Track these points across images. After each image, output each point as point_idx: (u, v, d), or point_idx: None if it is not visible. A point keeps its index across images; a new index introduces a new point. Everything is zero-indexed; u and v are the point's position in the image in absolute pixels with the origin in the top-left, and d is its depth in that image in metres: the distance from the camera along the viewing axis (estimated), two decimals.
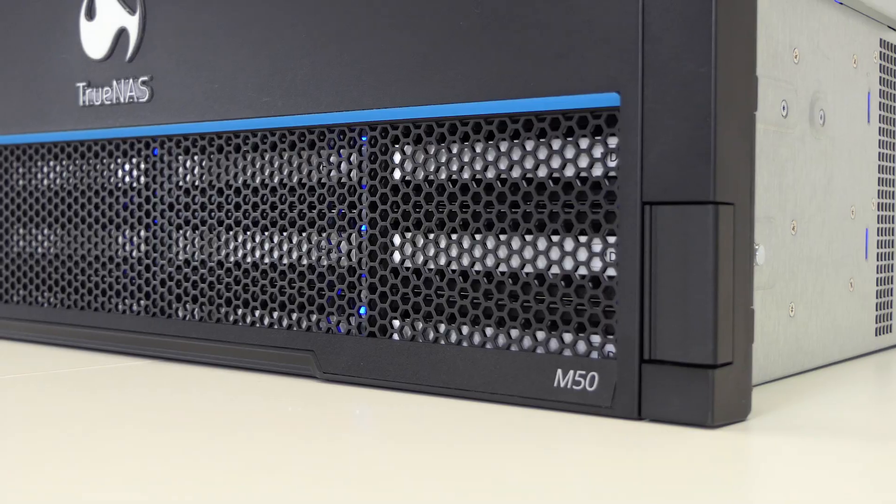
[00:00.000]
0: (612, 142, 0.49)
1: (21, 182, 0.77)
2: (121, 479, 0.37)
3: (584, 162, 0.50)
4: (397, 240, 0.57)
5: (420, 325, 0.56)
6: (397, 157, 0.57)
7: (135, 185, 0.69)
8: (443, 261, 0.55)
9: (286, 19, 0.60)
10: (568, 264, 0.51)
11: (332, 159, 0.59)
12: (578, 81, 0.49)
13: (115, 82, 0.68)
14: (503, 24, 0.52)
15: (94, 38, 0.69)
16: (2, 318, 0.77)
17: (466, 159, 0.54)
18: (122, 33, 0.68)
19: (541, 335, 0.52)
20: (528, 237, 0.52)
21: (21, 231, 0.77)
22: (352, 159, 0.58)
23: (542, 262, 0.52)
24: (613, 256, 0.49)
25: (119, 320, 0.70)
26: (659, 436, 0.45)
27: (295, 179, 0.61)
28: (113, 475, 0.38)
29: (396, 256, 0.57)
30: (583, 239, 0.50)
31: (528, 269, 0.52)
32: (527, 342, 0.52)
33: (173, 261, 0.67)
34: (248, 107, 0.62)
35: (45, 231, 0.75)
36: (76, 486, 0.36)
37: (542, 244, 0.52)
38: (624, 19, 0.48)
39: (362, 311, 0.58)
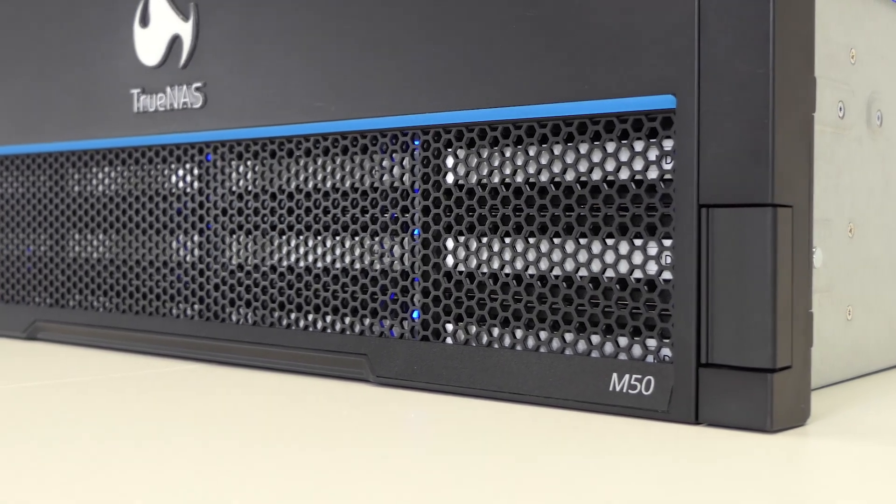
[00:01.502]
0: (668, 144, 0.49)
1: (77, 188, 0.78)
2: (178, 482, 0.38)
3: (639, 165, 0.50)
4: (450, 243, 0.57)
5: (473, 329, 0.56)
6: (450, 161, 0.57)
7: (188, 190, 0.70)
8: (496, 264, 0.55)
9: (339, 24, 0.60)
10: (623, 267, 0.51)
11: (384, 163, 0.59)
12: (633, 84, 0.49)
13: (168, 89, 0.69)
14: (557, 26, 0.51)
15: (149, 46, 0.70)
16: (58, 322, 0.78)
17: (520, 163, 0.54)
18: (175, 40, 0.68)
19: (596, 339, 0.52)
20: (583, 240, 0.52)
21: (77, 236, 0.78)
22: (404, 163, 0.59)
23: (596, 266, 0.51)
24: (669, 259, 0.49)
25: (173, 324, 0.70)
26: (717, 440, 0.45)
27: (347, 184, 0.61)
28: (171, 479, 0.38)
29: (449, 260, 0.57)
30: (638, 242, 0.50)
31: (583, 272, 0.52)
32: (581, 346, 0.52)
33: (226, 265, 0.68)
34: (301, 112, 0.62)
35: (101, 236, 0.76)
36: (132, 490, 0.37)
37: (596, 247, 0.52)
38: (680, 21, 0.47)
39: (415, 314, 0.58)
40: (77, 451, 0.43)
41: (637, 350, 0.50)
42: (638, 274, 0.50)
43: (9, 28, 0.81)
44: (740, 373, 0.46)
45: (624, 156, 0.51)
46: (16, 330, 0.80)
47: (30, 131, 0.79)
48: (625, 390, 0.49)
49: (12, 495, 0.36)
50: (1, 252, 0.84)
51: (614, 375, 0.50)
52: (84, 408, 0.53)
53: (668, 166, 0.49)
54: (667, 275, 0.49)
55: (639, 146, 0.50)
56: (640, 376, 0.49)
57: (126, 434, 0.46)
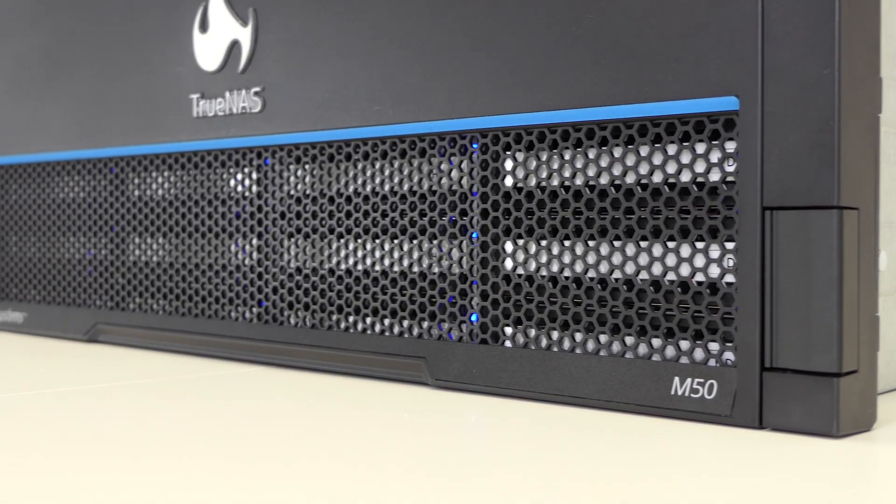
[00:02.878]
0: (730, 146, 0.49)
1: (136, 192, 0.79)
2: (237, 486, 0.38)
3: (700, 167, 0.50)
4: (509, 247, 0.57)
5: (532, 332, 0.56)
6: (509, 164, 0.57)
7: (247, 194, 0.70)
8: (555, 267, 0.55)
9: (397, 28, 0.60)
10: (684, 270, 0.50)
11: (442, 167, 0.60)
12: (695, 85, 0.49)
13: (227, 93, 0.70)
14: (617, 28, 0.51)
15: (208, 51, 0.71)
16: (119, 325, 0.79)
17: (579, 165, 0.54)
18: (234, 45, 0.69)
19: (657, 342, 0.51)
20: (644, 243, 0.52)
21: (136, 240, 0.79)
22: (463, 166, 0.59)
23: (657, 269, 0.51)
24: (732, 262, 0.49)
25: (232, 327, 0.71)
26: (781, 445, 0.44)
27: (405, 187, 0.61)
28: (235, 480, 0.39)
29: (508, 263, 0.57)
30: (700, 245, 0.50)
31: (644, 275, 0.52)
32: (642, 349, 0.52)
33: (285, 268, 0.68)
34: (359, 116, 0.62)
35: (160, 240, 0.77)
36: (190, 494, 0.37)
37: (657, 250, 0.51)
38: (743, 21, 0.47)
39: (474, 318, 0.58)
40: (143, 452, 0.43)
41: (699, 354, 0.50)
42: (700, 277, 0.50)
43: (70, 34, 0.82)
44: (805, 377, 0.46)
45: (685, 158, 0.50)
46: (77, 333, 0.81)
47: (91, 136, 0.80)
48: (687, 394, 0.49)
49: (78, 497, 0.36)
50: (63, 256, 0.85)
51: (676, 379, 0.49)
52: (147, 409, 0.54)
53: (730, 168, 0.49)
54: (729, 278, 0.49)
55: (701, 148, 0.50)
56: (702, 380, 0.49)
57: (189, 435, 0.47)
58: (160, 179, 0.76)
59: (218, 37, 0.70)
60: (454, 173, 0.59)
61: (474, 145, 0.58)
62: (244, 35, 0.68)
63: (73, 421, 0.50)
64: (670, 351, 0.51)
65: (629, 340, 0.52)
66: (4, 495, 0.36)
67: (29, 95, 0.86)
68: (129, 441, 0.45)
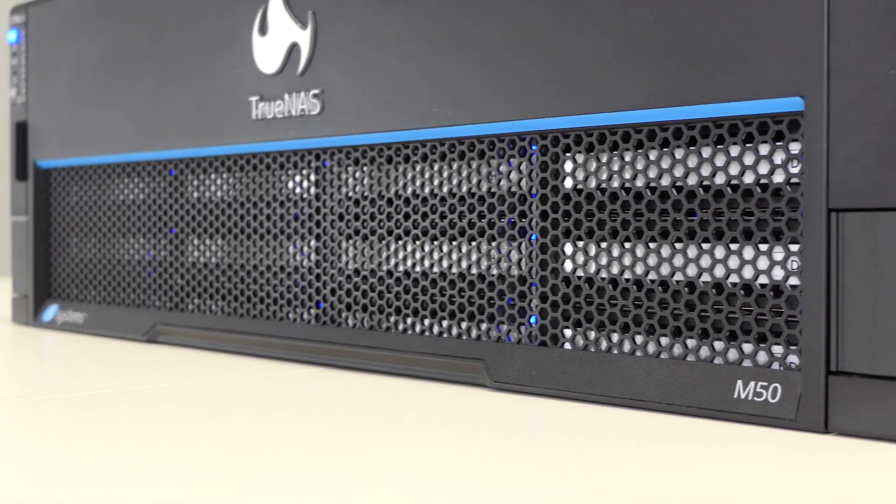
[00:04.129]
0: (795, 147, 0.48)
1: (195, 194, 0.80)
2: (306, 484, 0.38)
3: (764, 168, 0.49)
4: (569, 249, 0.57)
5: (592, 335, 0.56)
6: (568, 166, 0.57)
7: (305, 196, 0.71)
8: (616, 269, 0.55)
9: (456, 30, 0.60)
10: (748, 273, 0.50)
11: (502, 168, 0.59)
12: (759, 86, 0.48)
13: (286, 96, 0.70)
14: (679, 29, 0.51)
15: (267, 53, 0.71)
16: (178, 325, 0.79)
17: (640, 167, 0.54)
18: (293, 48, 0.69)
19: (719, 345, 0.51)
20: (706, 245, 0.51)
21: (195, 241, 0.80)
22: (522, 168, 0.59)
23: (720, 271, 0.51)
24: (796, 265, 0.48)
25: (290, 328, 0.71)
26: (848, 450, 0.43)
27: (464, 189, 0.61)
28: (299, 480, 0.39)
29: (568, 265, 0.57)
30: (763, 247, 0.49)
31: (706, 278, 0.51)
32: (704, 352, 0.51)
33: (343, 270, 0.69)
34: (418, 117, 0.63)
35: (219, 241, 0.78)
36: (252, 494, 0.37)
37: (720, 253, 0.51)
38: (808, 20, 0.46)
39: (533, 319, 0.58)
40: (203, 453, 0.43)
41: (762, 357, 0.49)
42: (763, 279, 0.49)
43: (131, 38, 0.83)
44: (873, 381, 0.45)
45: (749, 159, 0.50)
46: (137, 333, 0.82)
47: (151, 139, 0.81)
48: (750, 398, 0.48)
49: (139, 496, 0.37)
50: (123, 257, 0.87)
51: (739, 382, 0.49)
52: (206, 409, 0.54)
53: (794, 170, 0.48)
54: (794, 280, 0.48)
55: (764, 149, 0.49)
56: (766, 383, 0.48)
57: (251, 436, 0.47)
58: (219, 181, 0.77)
59: (277, 39, 0.71)
60: (513, 175, 0.59)
61: (534, 147, 0.58)
62: (303, 37, 0.69)
63: (138, 421, 0.51)
64: (733, 354, 0.50)
65: (691, 343, 0.52)
66: (78, 492, 0.37)
67: (90, 99, 0.87)
68: (193, 441, 0.46)
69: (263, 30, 0.72)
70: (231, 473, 0.40)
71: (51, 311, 0.92)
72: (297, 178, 0.71)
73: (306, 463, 0.41)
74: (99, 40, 0.86)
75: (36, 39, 0.93)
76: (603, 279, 0.55)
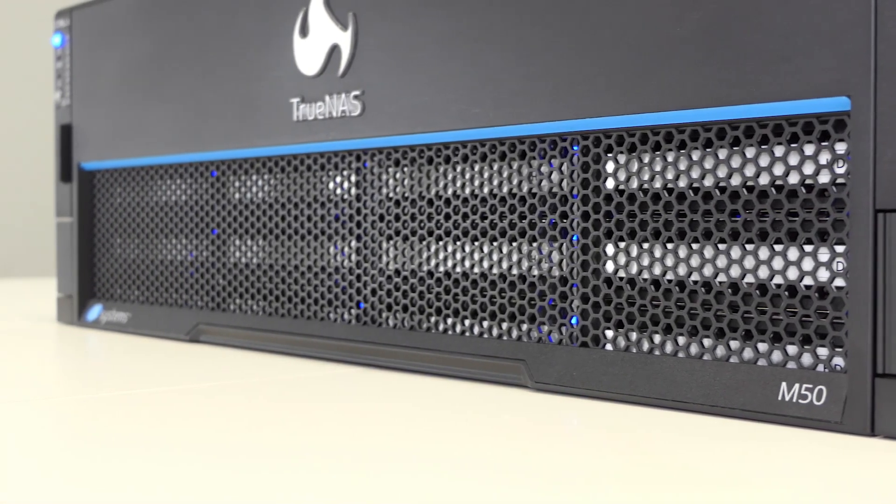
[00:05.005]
0: (841, 147, 0.48)
1: (237, 195, 0.80)
2: (345, 484, 0.38)
3: (809, 168, 0.49)
4: (610, 249, 0.57)
5: (634, 336, 0.55)
6: (610, 167, 0.56)
7: (346, 196, 0.71)
8: (658, 270, 0.54)
9: (496, 30, 0.60)
10: (792, 274, 0.49)
11: (543, 169, 0.59)
12: (804, 85, 0.48)
13: (327, 97, 0.70)
14: (722, 28, 0.50)
15: (308, 55, 0.72)
16: (219, 325, 0.80)
17: (682, 168, 0.53)
18: (334, 49, 0.70)
19: (763, 347, 0.50)
20: (749, 246, 0.51)
21: (237, 242, 0.80)
22: (563, 169, 0.58)
23: (764, 272, 0.50)
24: (842, 266, 0.48)
25: (331, 328, 0.71)
26: (895, 453, 0.43)
27: (505, 190, 0.61)
28: (338, 480, 0.39)
29: (609, 266, 0.57)
30: (808, 248, 0.49)
31: (750, 279, 0.51)
32: (747, 354, 0.51)
33: (383, 270, 0.69)
34: (459, 118, 0.63)
35: (260, 242, 0.78)
36: (298, 494, 0.37)
37: (764, 253, 0.50)
38: (854, 19, 0.46)
39: (574, 320, 0.58)
40: (245, 453, 0.44)
41: (807, 359, 0.49)
42: (808, 281, 0.49)
43: (173, 41, 0.84)
44: None
45: (793, 160, 0.49)
46: (179, 333, 0.83)
47: (193, 140, 0.82)
48: (795, 400, 0.48)
49: (181, 495, 0.37)
50: (165, 257, 0.87)
51: (783, 384, 0.49)
52: (249, 409, 0.54)
53: (840, 170, 0.48)
54: (839, 282, 0.48)
55: (809, 150, 0.49)
56: (811, 386, 0.48)
57: (295, 435, 0.47)
58: (260, 182, 0.78)
59: (318, 41, 0.71)
60: (554, 176, 0.59)
61: (575, 147, 0.58)
62: (344, 39, 0.69)
63: (175, 421, 0.51)
64: (777, 356, 0.50)
65: (734, 345, 0.51)
66: (127, 490, 0.37)
67: (133, 101, 0.88)
68: (238, 440, 0.46)
69: (304, 32, 0.72)
70: (279, 468, 0.40)
71: (95, 311, 0.93)
72: (338, 179, 0.71)
73: (347, 463, 0.42)
74: (142, 43, 0.87)
75: (80, 43, 0.94)
76: (645, 280, 0.55)
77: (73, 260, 0.95)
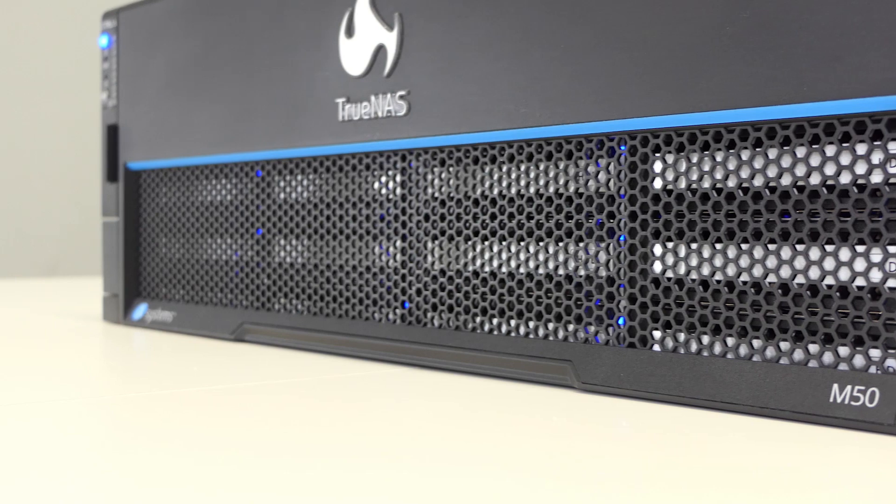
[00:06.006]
0: (893, 147, 0.47)
1: (282, 195, 0.80)
2: (392, 484, 0.38)
3: (861, 168, 0.48)
4: (658, 249, 0.56)
5: (682, 337, 0.55)
6: (658, 167, 0.56)
7: (391, 196, 0.71)
8: (706, 270, 0.54)
9: (543, 29, 0.60)
10: (844, 275, 0.49)
11: (590, 169, 0.59)
12: (856, 84, 0.47)
13: (373, 97, 0.71)
14: (773, 27, 0.50)
15: (354, 56, 0.72)
16: (264, 325, 0.80)
17: (732, 167, 0.53)
18: (380, 49, 0.70)
19: (814, 348, 0.50)
20: (800, 247, 0.50)
21: (282, 242, 0.81)
22: (610, 169, 0.58)
23: (814, 273, 0.50)
24: (895, 267, 0.47)
25: (375, 328, 0.72)
26: None
27: (551, 190, 0.61)
28: (386, 479, 0.39)
29: (657, 266, 0.56)
30: (860, 248, 0.48)
31: (800, 280, 0.50)
32: (797, 355, 0.50)
33: (429, 270, 0.69)
34: (505, 118, 0.62)
35: (305, 242, 0.78)
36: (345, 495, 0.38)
37: (814, 254, 0.50)
38: None
39: (621, 321, 0.58)
40: (290, 452, 0.44)
41: (859, 360, 0.48)
42: (860, 282, 0.48)
43: (219, 41, 0.84)
44: None
45: (845, 159, 0.49)
46: (224, 332, 0.84)
47: (238, 140, 0.83)
48: (846, 402, 0.48)
49: (225, 495, 0.37)
50: (210, 257, 0.88)
51: (835, 386, 0.48)
52: (296, 408, 0.55)
53: (893, 170, 0.47)
54: (892, 283, 0.47)
55: (861, 149, 0.48)
56: (863, 388, 0.47)
57: (339, 434, 0.47)
58: (305, 182, 0.78)
59: (364, 41, 0.71)
60: (601, 176, 0.59)
61: (622, 147, 0.58)
62: (390, 39, 0.69)
63: (232, 418, 0.52)
64: (828, 357, 0.49)
65: (784, 346, 0.51)
66: (186, 489, 0.37)
67: (179, 102, 0.88)
68: (285, 439, 0.46)
69: (350, 32, 0.72)
70: (328, 467, 0.40)
71: (140, 310, 0.94)
72: (384, 179, 0.72)
73: (398, 459, 0.42)
74: (188, 44, 0.88)
75: (126, 44, 0.94)
76: (693, 281, 0.55)
77: (119, 259, 0.95)
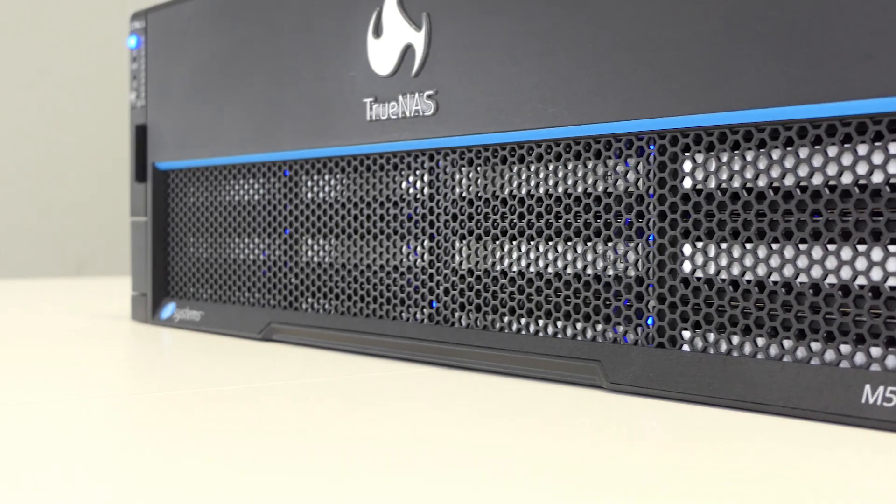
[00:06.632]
0: None
1: (309, 195, 0.81)
2: (420, 483, 0.38)
3: (894, 167, 0.48)
4: (687, 249, 0.56)
5: (712, 337, 0.55)
6: (687, 166, 0.56)
7: (419, 196, 0.71)
8: (736, 270, 0.54)
9: (571, 29, 0.60)
10: (876, 275, 0.49)
11: (618, 168, 0.59)
12: (889, 82, 0.47)
13: (401, 97, 0.71)
14: (804, 26, 0.50)
15: (381, 55, 0.72)
16: (292, 324, 0.81)
17: (762, 167, 0.53)
18: (408, 49, 0.70)
19: (845, 349, 0.50)
20: (831, 247, 0.50)
21: (309, 241, 0.81)
22: (639, 168, 0.58)
23: (846, 273, 0.50)
24: None
25: (403, 328, 0.72)
26: None
27: (580, 189, 0.61)
28: (414, 479, 0.39)
29: (686, 266, 0.56)
30: (893, 248, 0.48)
31: (832, 279, 0.50)
32: (829, 356, 0.50)
33: (456, 270, 0.69)
34: (533, 118, 0.62)
35: (332, 241, 0.79)
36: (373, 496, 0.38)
37: (846, 254, 0.50)
38: None
39: (650, 321, 0.58)
40: (321, 451, 0.44)
41: (892, 361, 0.48)
42: (893, 282, 0.48)
43: (246, 42, 0.85)
44: None
45: (877, 158, 0.48)
46: (252, 331, 0.84)
47: (265, 140, 0.83)
48: (879, 403, 0.47)
49: (252, 495, 0.37)
50: (238, 256, 0.88)
51: (867, 387, 0.48)
52: (324, 407, 0.55)
53: None
54: None
55: (894, 148, 0.48)
56: (895, 388, 0.47)
57: (368, 434, 0.47)
58: (333, 182, 0.78)
59: (391, 41, 0.71)
60: (630, 175, 0.58)
61: (651, 147, 0.57)
62: (418, 39, 0.69)
63: (261, 416, 0.52)
64: (860, 358, 0.49)
65: (815, 346, 0.51)
66: (210, 488, 0.37)
67: (207, 102, 0.89)
68: (313, 438, 0.46)
69: (378, 32, 0.72)
70: (358, 471, 0.40)
71: (168, 309, 0.94)
72: (411, 179, 0.72)
73: (427, 458, 0.42)
74: (215, 44, 0.88)
75: (155, 44, 0.95)
76: (723, 280, 0.54)
77: (148, 259, 0.96)
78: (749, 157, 0.53)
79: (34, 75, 1.97)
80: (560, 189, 0.62)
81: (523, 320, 0.64)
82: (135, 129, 0.96)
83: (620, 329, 0.59)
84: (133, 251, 0.98)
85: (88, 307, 1.17)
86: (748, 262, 0.53)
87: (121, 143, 1.58)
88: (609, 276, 0.60)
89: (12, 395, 0.58)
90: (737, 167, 0.54)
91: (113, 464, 0.42)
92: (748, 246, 0.53)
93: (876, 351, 0.48)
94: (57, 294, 1.46)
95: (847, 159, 0.49)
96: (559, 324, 0.62)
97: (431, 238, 0.71)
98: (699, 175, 0.55)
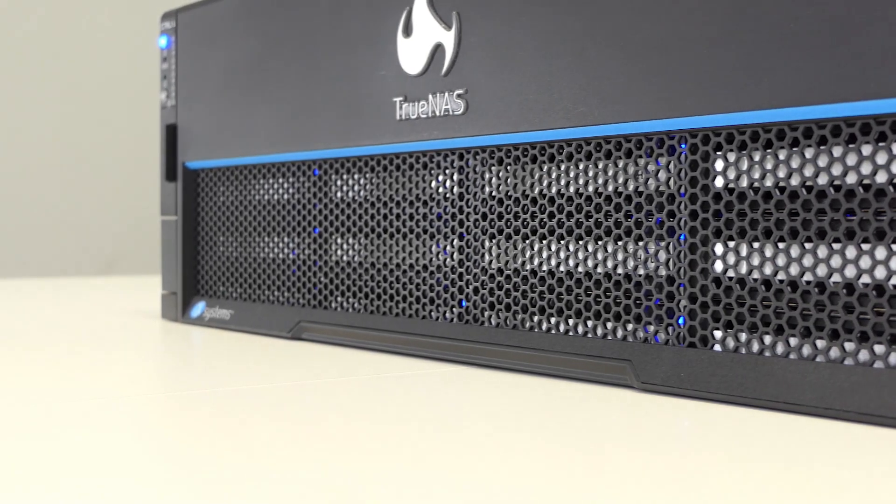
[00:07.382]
0: None
1: (339, 194, 0.81)
2: (455, 482, 0.38)
3: None
4: (719, 248, 0.56)
5: (743, 336, 0.54)
6: (719, 165, 0.56)
7: (448, 195, 0.71)
8: (769, 270, 0.54)
9: (601, 28, 0.60)
10: None
11: (649, 167, 0.59)
12: None
13: (431, 96, 0.71)
14: (838, 25, 0.49)
15: (411, 55, 0.72)
16: (321, 323, 0.81)
17: (795, 165, 0.52)
18: (437, 48, 0.70)
19: (879, 349, 0.49)
20: (865, 246, 0.50)
21: (339, 240, 0.81)
22: (670, 167, 0.58)
23: (880, 273, 0.49)
24: None
25: (432, 327, 0.72)
26: None
27: (610, 188, 0.61)
28: (445, 477, 0.39)
29: (718, 266, 0.56)
30: None
31: (865, 279, 0.50)
32: (863, 356, 0.50)
33: (486, 269, 0.69)
34: (564, 116, 0.62)
35: (362, 240, 0.79)
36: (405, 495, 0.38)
37: (880, 253, 0.49)
38: None
39: (681, 320, 0.57)
40: (349, 448, 0.44)
41: None
42: None
43: (277, 41, 0.85)
44: None
45: None
46: (282, 330, 0.84)
47: (296, 139, 0.83)
48: None
49: (282, 493, 0.37)
50: (268, 255, 0.89)
51: None
52: (355, 406, 0.55)
53: None
54: None
55: None
56: None
57: (399, 432, 0.48)
58: (362, 181, 0.78)
59: (421, 41, 0.71)
60: (661, 174, 0.58)
61: (683, 145, 0.57)
62: (447, 38, 0.69)
63: (278, 418, 0.52)
64: (894, 358, 0.49)
65: (849, 346, 0.50)
66: (236, 488, 0.38)
67: (237, 101, 0.89)
68: (327, 436, 0.47)
69: (408, 31, 0.72)
70: (394, 473, 0.40)
71: (198, 308, 0.95)
72: (441, 178, 0.72)
73: (458, 457, 0.42)
74: (245, 44, 0.88)
75: (185, 44, 0.95)
76: (755, 280, 0.54)
77: (178, 257, 0.97)
78: (782, 156, 0.53)
79: (66, 75, 1.99)
80: (591, 188, 0.62)
81: (553, 320, 0.64)
82: (165, 128, 0.97)
83: (651, 329, 0.59)
84: (163, 250, 0.99)
85: (119, 305, 1.18)
86: (781, 261, 0.53)
87: (151, 143, 1.59)
88: (640, 275, 0.59)
89: (55, 394, 0.58)
90: (769, 166, 0.53)
91: (156, 459, 0.42)
92: (780, 245, 0.53)
93: None
94: (87, 292, 1.47)
95: (882, 158, 0.49)
96: (589, 323, 0.62)
97: (461, 237, 0.70)
98: (731, 174, 0.55)
